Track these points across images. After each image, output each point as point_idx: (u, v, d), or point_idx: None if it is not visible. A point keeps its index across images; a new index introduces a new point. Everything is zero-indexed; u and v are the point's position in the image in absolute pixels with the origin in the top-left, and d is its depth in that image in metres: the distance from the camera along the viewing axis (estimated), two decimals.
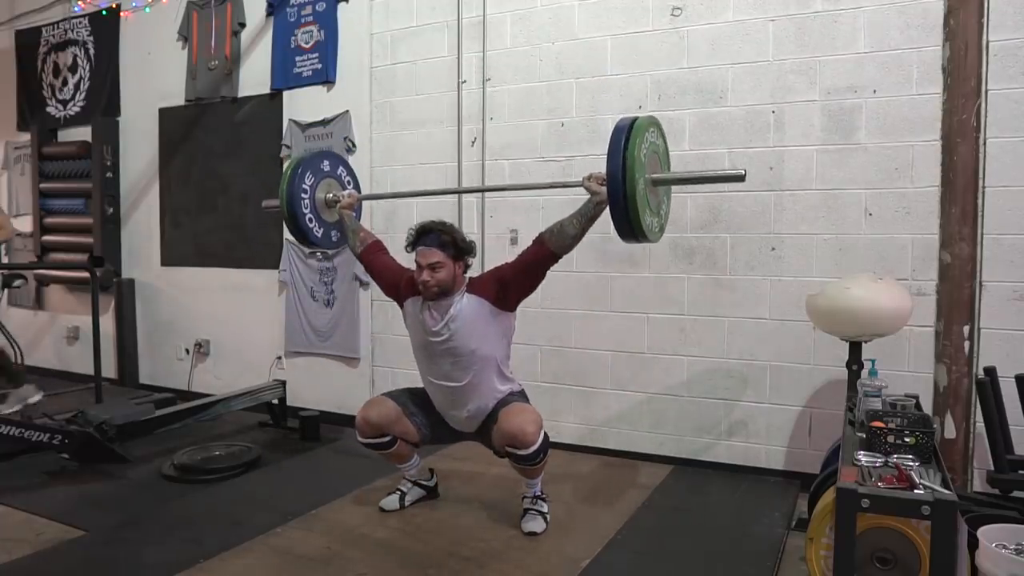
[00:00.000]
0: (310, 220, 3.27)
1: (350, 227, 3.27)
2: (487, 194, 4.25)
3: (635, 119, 2.51)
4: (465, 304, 2.88)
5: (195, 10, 5.20)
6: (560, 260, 2.85)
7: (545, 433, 2.88)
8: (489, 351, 2.92)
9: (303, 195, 3.23)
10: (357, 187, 3.58)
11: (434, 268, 2.81)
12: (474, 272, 3.10)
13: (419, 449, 3.25)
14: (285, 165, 3.32)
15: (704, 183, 2.79)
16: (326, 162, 3.40)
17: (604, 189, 2.51)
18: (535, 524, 2.95)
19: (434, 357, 2.96)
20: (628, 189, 2.42)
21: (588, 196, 2.72)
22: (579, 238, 2.78)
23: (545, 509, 3.03)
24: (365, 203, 4.58)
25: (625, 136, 2.45)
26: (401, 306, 3.09)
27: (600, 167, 3.85)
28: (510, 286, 2.88)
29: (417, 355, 3.06)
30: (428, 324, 2.92)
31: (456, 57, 4.28)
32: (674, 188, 3.74)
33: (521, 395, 3.07)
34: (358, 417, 3.07)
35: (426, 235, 2.85)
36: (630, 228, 2.50)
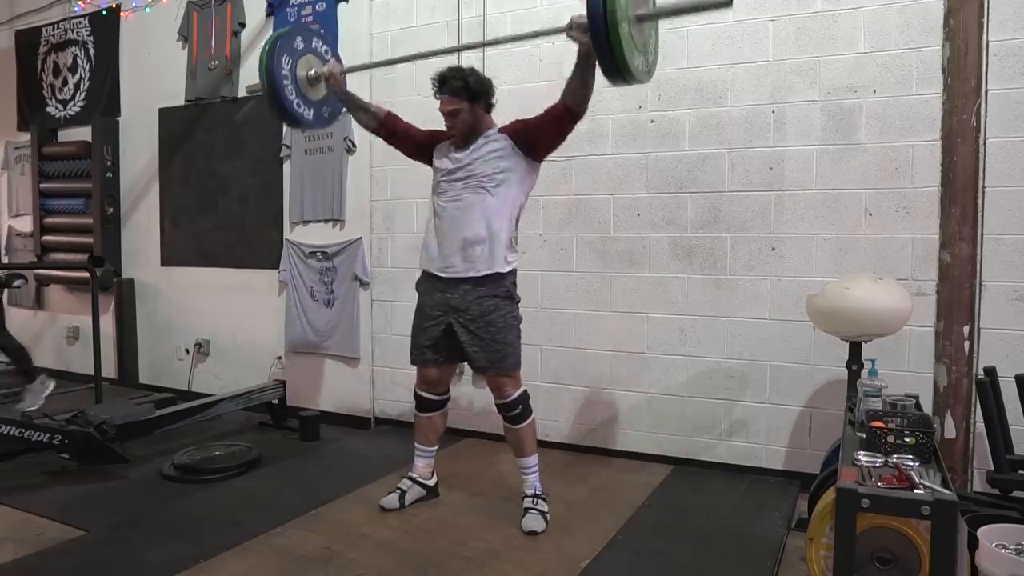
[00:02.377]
0: (298, 104, 3.24)
1: (356, 104, 3.31)
2: None
3: None
4: (491, 137, 3.01)
5: (195, 10, 5.20)
6: (579, 118, 2.88)
7: (525, 389, 3.05)
8: (504, 182, 2.97)
9: (284, 80, 3.17)
10: (337, 57, 3.52)
11: (453, 115, 2.97)
12: None
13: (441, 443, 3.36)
14: (261, 47, 3.22)
15: (689, 13, 2.70)
16: (299, 38, 3.31)
17: (587, 38, 2.44)
18: (535, 523, 2.96)
19: (452, 182, 3.04)
20: (612, 35, 2.32)
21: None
22: (581, 86, 2.76)
23: (545, 508, 3.04)
24: (366, 202, 4.59)
25: None
26: (432, 159, 3.17)
27: (604, 167, 3.91)
28: (531, 126, 2.96)
29: (435, 193, 3.11)
30: (455, 154, 3.04)
31: (456, 58, 4.27)
32: (677, 188, 3.77)
33: (509, 301, 3.04)
34: (418, 377, 3.21)
35: (442, 85, 2.99)
36: (618, 71, 2.42)
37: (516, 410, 3.03)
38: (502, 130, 3.03)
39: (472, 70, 3.05)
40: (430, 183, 4.45)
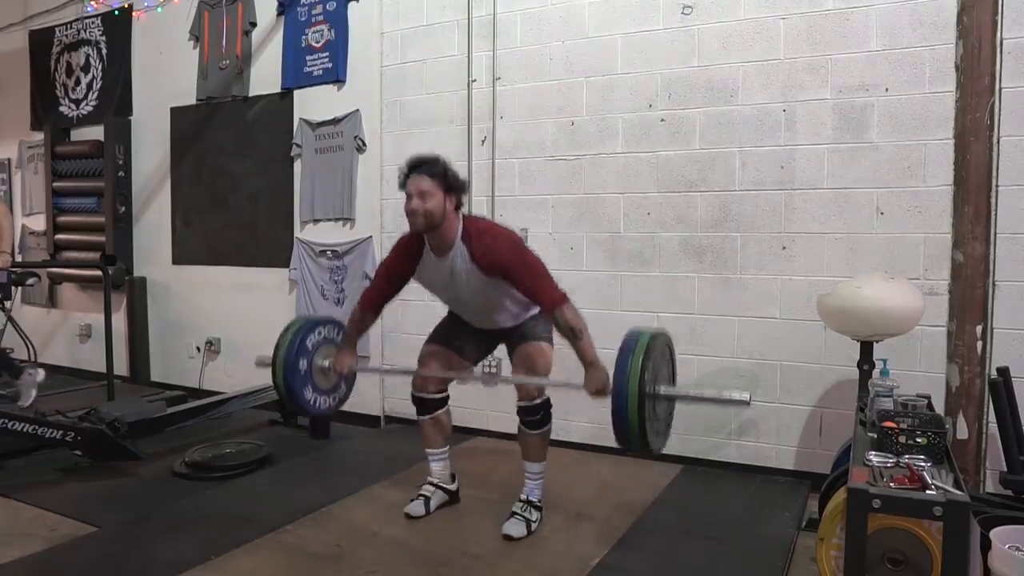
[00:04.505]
0: (310, 396, 3.12)
1: (355, 335, 3.19)
2: (497, 194, 4.24)
3: (640, 336, 2.57)
4: (460, 263, 2.81)
5: (206, 9, 5.23)
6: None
7: (548, 398, 2.98)
8: (498, 298, 2.91)
9: (300, 368, 3.05)
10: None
11: (423, 196, 2.72)
12: None
13: (449, 442, 3.27)
14: (282, 333, 3.08)
15: (706, 403, 2.74)
16: (322, 329, 3.20)
17: (607, 396, 2.56)
18: (514, 528, 2.92)
19: (449, 298, 3.02)
20: (630, 410, 2.44)
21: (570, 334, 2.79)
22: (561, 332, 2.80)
23: (532, 517, 2.98)
24: (377, 201, 4.61)
25: (631, 357, 2.49)
26: (414, 275, 3.02)
27: (614, 165, 3.90)
28: (507, 277, 2.78)
29: (433, 291, 3.07)
30: (435, 279, 2.94)
31: (466, 56, 4.28)
32: (687, 187, 3.76)
33: (543, 321, 3.01)
34: (416, 376, 3.10)
35: (417, 166, 2.79)
36: (631, 445, 2.54)
37: (537, 415, 2.95)
38: (470, 241, 2.79)
39: (449, 163, 2.85)
40: None
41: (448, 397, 3.17)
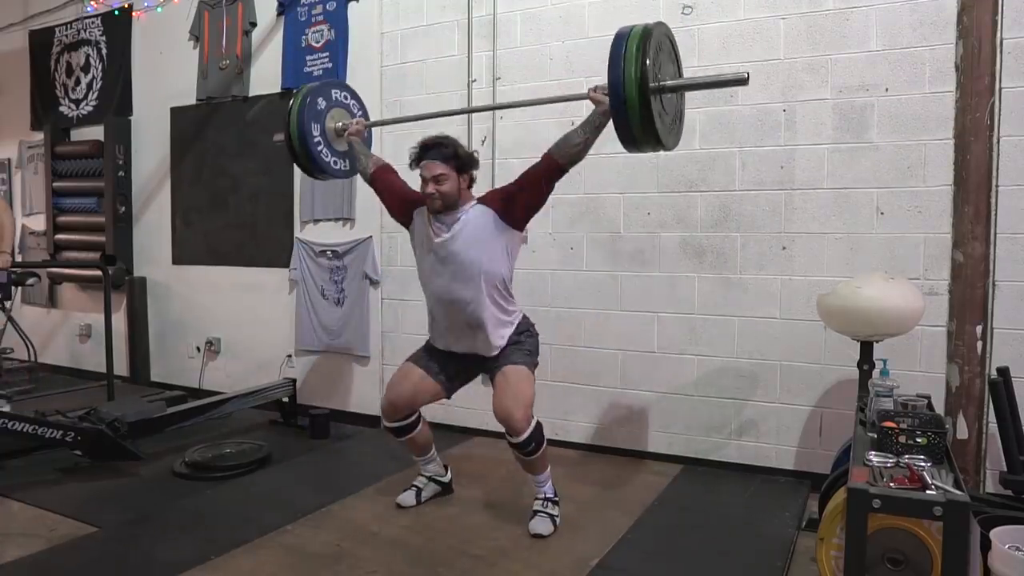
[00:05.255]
0: (321, 150, 3.31)
1: (360, 151, 3.31)
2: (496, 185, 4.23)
3: (632, 28, 2.43)
4: (472, 214, 2.91)
5: (206, 9, 5.23)
6: (566, 174, 2.84)
7: (538, 422, 2.92)
8: (491, 265, 2.90)
9: (315, 125, 3.28)
10: (365, 115, 3.60)
11: (438, 180, 2.85)
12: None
13: (435, 448, 3.33)
14: (292, 97, 3.37)
15: (705, 88, 2.75)
16: (336, 91, 3.46)
17: (607, 99, 2.48)
18: (542, 526, 2.94)
19: (436, 267, 2.96)
20: (628, 100, 2.35)
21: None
22: (584, 147, 2.77)
23: (555, 512, 3.01)
24: (377, 200, 4.59)
25: (624, 46, 2.37)
26: (409, 224, 3.09)
27: (614, 165, 3.90)
28: (516, 198, 2.89)
29: (422, 275, 3.06)
30: (433, 234, 2.95)
31: (466, 56, 4.28)
32: (687, 187, 3.76)
33: (526, 334, 3.07)
34: (384, 401, 3.13)
35: (429, 150, 2.89)
36: (631, 137, 2.46)
37: (529, 447, 2.89)
38: (483, 201, 2.95)
39: (458, 142, 2.98)
40: None
41: (419, 418, 3.18)
